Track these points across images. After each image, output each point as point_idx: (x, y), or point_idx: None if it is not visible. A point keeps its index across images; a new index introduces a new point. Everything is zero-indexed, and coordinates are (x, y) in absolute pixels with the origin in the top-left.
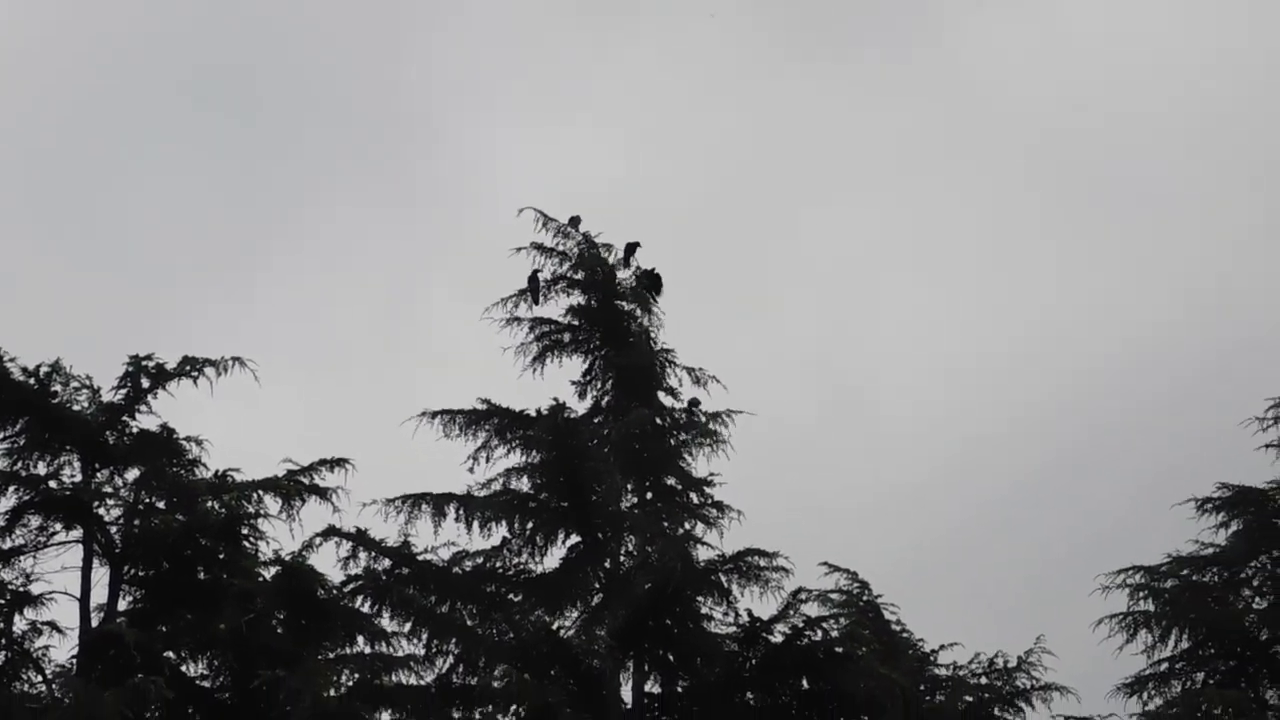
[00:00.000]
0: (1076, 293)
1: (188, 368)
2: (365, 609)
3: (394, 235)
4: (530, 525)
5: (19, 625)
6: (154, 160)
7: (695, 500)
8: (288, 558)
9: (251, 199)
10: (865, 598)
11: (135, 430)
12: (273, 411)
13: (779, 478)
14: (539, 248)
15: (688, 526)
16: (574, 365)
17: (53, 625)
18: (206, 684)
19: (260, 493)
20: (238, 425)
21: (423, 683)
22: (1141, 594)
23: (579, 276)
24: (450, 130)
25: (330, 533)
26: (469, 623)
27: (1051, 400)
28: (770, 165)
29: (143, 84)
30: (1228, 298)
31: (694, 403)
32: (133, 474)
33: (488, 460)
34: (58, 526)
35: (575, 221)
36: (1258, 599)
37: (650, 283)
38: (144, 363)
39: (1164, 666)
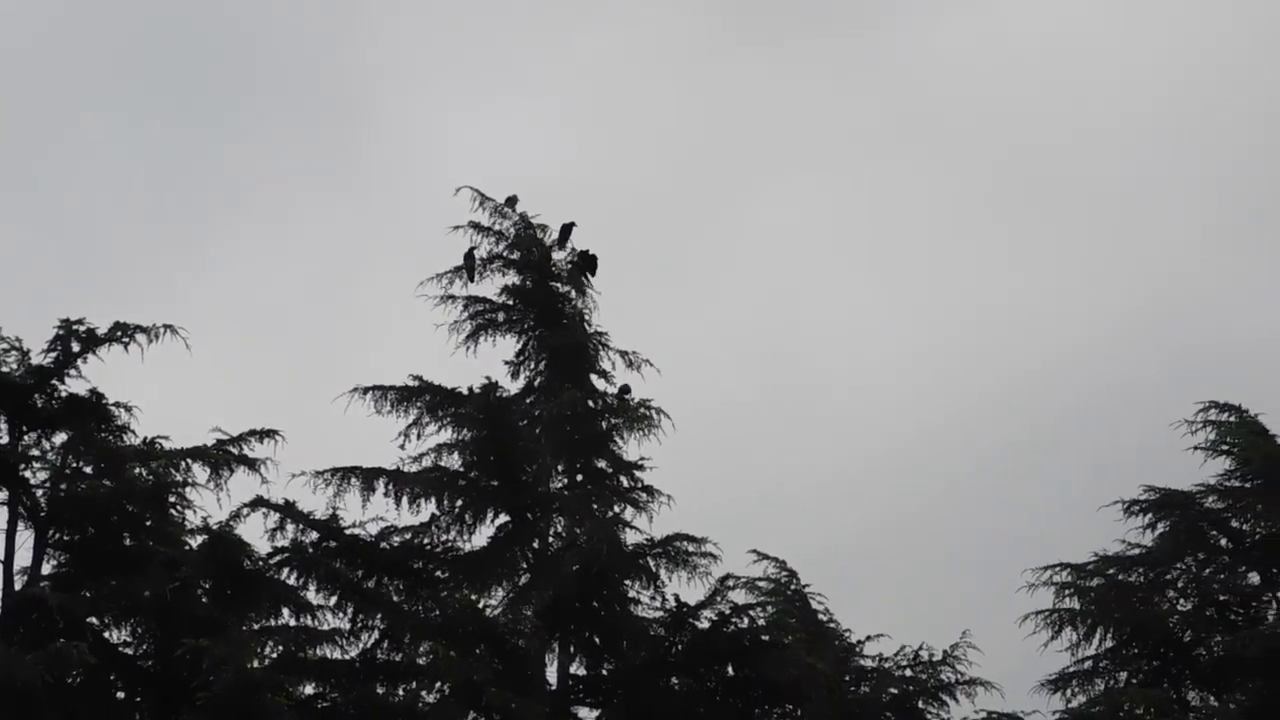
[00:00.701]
0: (1022, 290)
1: (119, 333)
2: (291, 581)
3: (334, 211)
4: (459, 503)
5: None
6: (95, 126)
7: (625, 484)
8: (215, 527)
9: (191, 170)
10: (793, 586)
11: (64, 394)
12: (204, 381)
13: (714, 464)
14: (476, 226)
15: (617, 509)
16: (507, 345)
17: None
18: (129, 651)
19: (189, 461)
20: (168, 393)
21: (347, 657)
22: (1067, 592)
23: (515, 256)
24: (396, 110)
25: (258, 503)
26: (395, 598)
27: (992, 398)
28: (718, 150)
29: (86, 48)
30: (1173, 301)
31: (624, 390)
32: (60, 438)
33: (418, 437)
34: None
35: (512, 201)
36: (1182, 600)
37: (585, 263)
38: (75, 326)
39: (1088, 664)
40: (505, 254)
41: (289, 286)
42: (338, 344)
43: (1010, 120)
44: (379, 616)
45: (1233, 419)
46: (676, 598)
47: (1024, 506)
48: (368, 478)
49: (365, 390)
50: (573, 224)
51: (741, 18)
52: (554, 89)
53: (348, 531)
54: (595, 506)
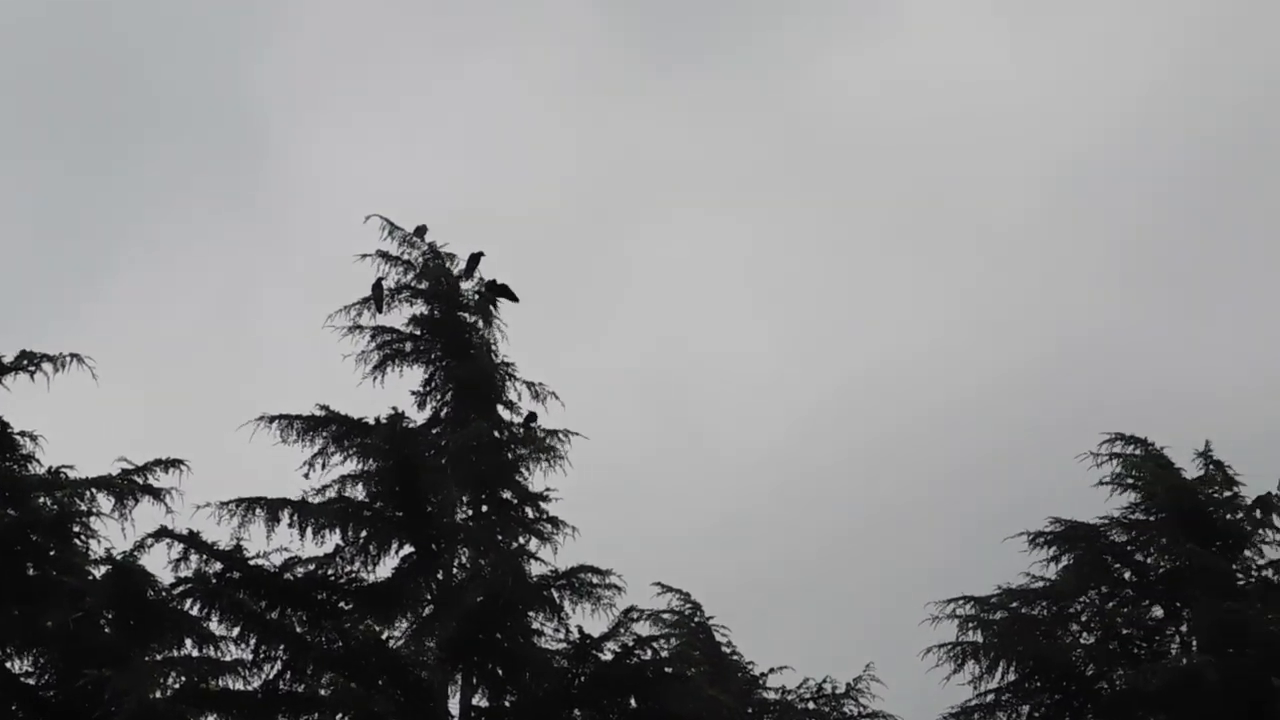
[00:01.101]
0: (919, 327)
1: (25, 362)
2: (194, 612)
3: (231, 243)
4: (364, 534)
5: None
6: None
7: (530, 515)
8: (119, 557)
9: (85, 203)
10: (697, 619)
11: None
12: (107, 411)
13: (615, 497)
14: (384, 255)
15: (522, 541)
16: (414, 375)
17: None
18: (31, 681)
19: (93, 490)
20: (73, 423)
21: (249, 688)
22: (971, 625)
23: (423, 286)
24: (289, 140)
25: (162, 533)
26: (298, 629)
27: (896, 436)
28: (608, 181)
29: None
30: (1073, 344)
31: (530, 418)
32: None
33: (324, 467)
34: None
35: (421, 231)
36: (1085, 634)
37: (494, 292)
38: None
39: (990, 698)
40: (414, 284)
41: (187, 318)
42: (238, 375)
43: (903, 156)
44: (282, 647)
45: (1138, 452)
46: (580, 629)
47: (928, 542)
48: (272, 508)
49: (271, 419)
50: (480, 253)
51: (632, 50)
52: (444, 119)
53: (251, 562)
54: (500, 538)
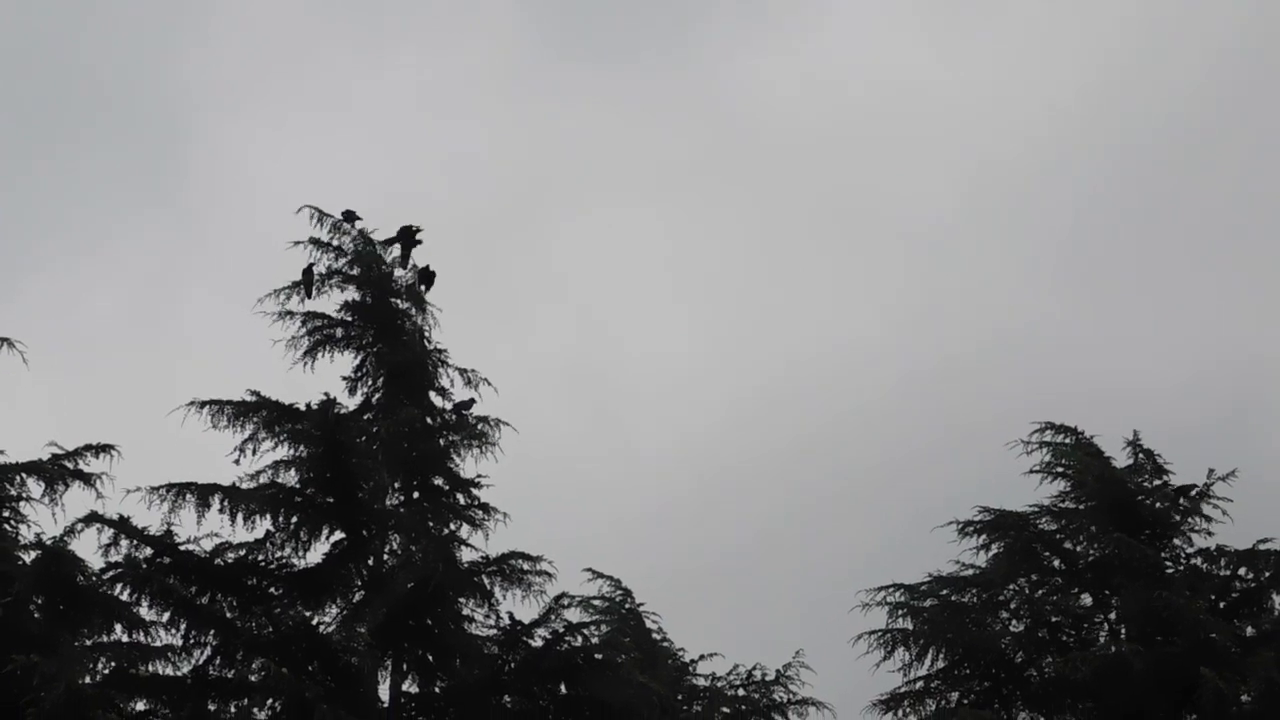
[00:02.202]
0: (841, 323)
1: None
2: (124, 597)
3: (150, 233)
4: (295, 519)
5: None
6: None
7: (462, 501)
8: (48, 542)
9: (13, 191)
10: (628, 605)
11: None
12: (33, 398)
13: (537, 488)
14: (316, 242)
15: (453, 527)
16: (346, 361)
17: None
18: None
19: (23, 475)
20: (10, 404)
21: (179, 673)
22: (901, 612)
23: (354, 272)
24: (214, 135)
25: (92, 518)
26: (228, 615)
27: (820, 428)
28: (534, 174)
29: None
30: (1000, 339)
31: (465, 404)
32: None
33: (255, 453)
34: None
35: (350, 216)
36: (1014, 622)
37: (424, 279)
38: None
39: (919, 684)
40: (345, 269)
41: (110, 309)
42: (163, 364)
43: (825, 154)
44: (212, 633)
45: (1068, 440)
46: (511, 616)
47: (856, 532)
48: (203, 494)
49: (203, 404)
50: (410, 230)
51: (556, 46)
52: (371, 109)
53: (182, 548)
54: (431, 524)
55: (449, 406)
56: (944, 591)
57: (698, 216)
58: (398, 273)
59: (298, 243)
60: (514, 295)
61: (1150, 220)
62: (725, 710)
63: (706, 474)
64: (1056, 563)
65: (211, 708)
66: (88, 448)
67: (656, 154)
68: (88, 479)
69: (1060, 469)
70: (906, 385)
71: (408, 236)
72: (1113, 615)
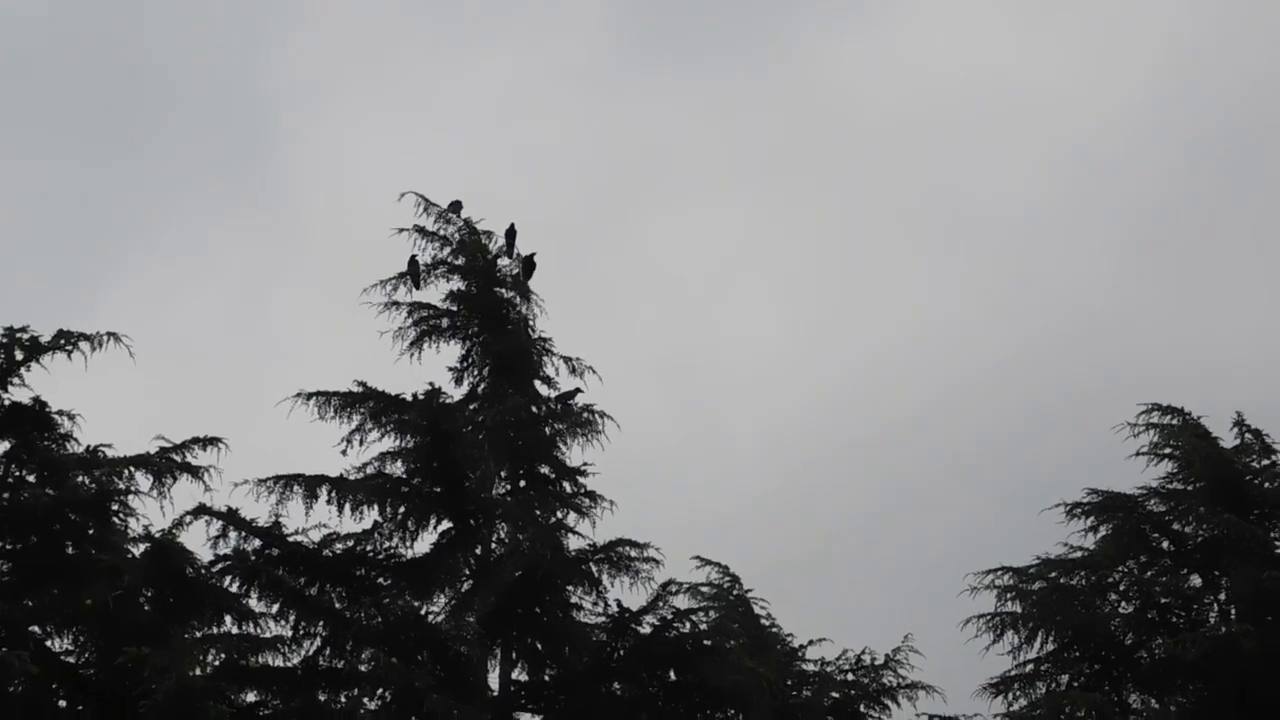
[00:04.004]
0: (935, 309)
1: (62, 341)
2: (234, 589)
3: (243, 237)
4: (402, 510)
5: None
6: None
7: (568, 489)
8: (157, 535)
9: (92, 203)
10: (735, 592)
11: (7, 403)
12: (134, 394)
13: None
14: (420, 231)
15: (560, 515)
16: (451, 351)
17: None
18: (71, 659)
19: (131, 469)
20: (109, 402)
21: (289, 664)
22: (1009, 595)
23: (459, 262)
24: (303, 135)
25: (201, 511)
26: (337, 605)
27: (930, 406)
28: (620, 171)
29: None
30: (1090, 324)
31: (570, 394)
32: (3, 446)
33: (361, 444)
34: None
35: (456, 206)
36: (1124, 603)
37: (527, 267)
38: (18, 334)
39: (1029, 668)
40: (450, 260)
41: (202, 308)
42: (255, 360)
43: (907, 141)
44: (321, 624)
45: (1175, 422)
46: (619, 603)
47: (967, 512)
48: (310, 485)
49: (309, 396)
50: (514, 227)
51: (640, 42)
52: (455, 108)
53: (290, 539)
54: (538, 512)
55: (554, 395)
56: (1052, 574)
57: (784, 207)
58: (502, 262)
59: (401, 230)
60: (602, 290)
61: (1229, 202)
62: (834, 695)
63: (803, 461)
64: (1165, 544)
65: (322, 698)
66: (195, 441)
67: (741, 146)
68: (195, 472)
69: (1168, 450)
70: (1000, 367)
71: (510, 230)
72: (1222, 596)
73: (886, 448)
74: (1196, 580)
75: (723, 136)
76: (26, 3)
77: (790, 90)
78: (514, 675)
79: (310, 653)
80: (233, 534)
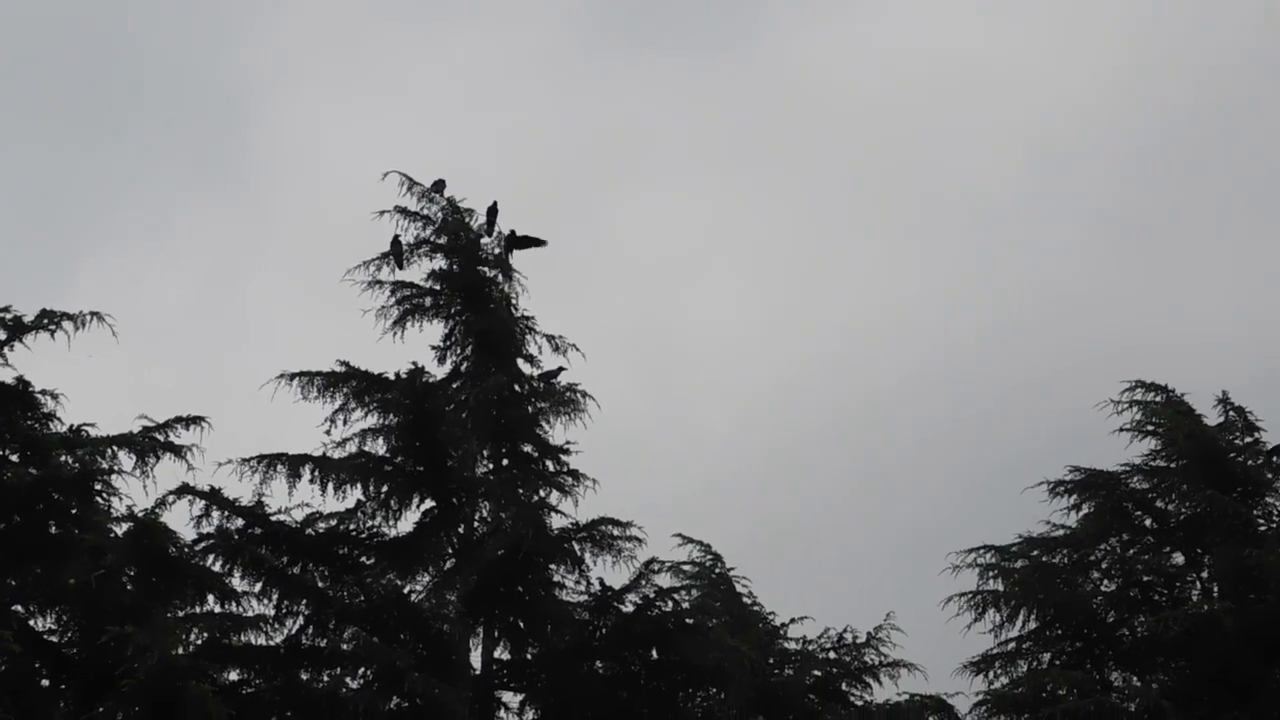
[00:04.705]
0: (905, 289)
1: (45, 320)
2: (216, 568)
3: (214, 213)
4: (385, 489)
5: None
6: None
7: (551, 468)
8: (140, 514)
9: (73, 177)
10: (718, 570)
11: None
12: (113, 374)
13: (613, 458)
14: (403, 211)
15: (543, 494)
16: (434, 330)
17: None
18: (54, 639)
19: (114, 448)
20: (90, 381)
21: (272, 643)
22: (991, 573)
23: (442, 241)
24: (275, 115)
25: (184, 490)
26: (320, 584)
27: (899, 388)
28: (591, 154)
29: None
30: (1061, 298)
31: (553, 373)
32: None
33: (345, 423)
34: None
35: (440, 186)
36: (1106, 581)
37: (519, 243)
38: (1, 314)
39: (1011, 646)
40: (433, 239)
41: (176, 288)
42: (229, 341)
43: (880, 127)
44: (303, 602)
45: (1158, 399)
46: (601, 582)
47: (943, 491)
48: (293, 464)
49: (292, 376)
50: (496, 205)
51: (614, 24)
52: (426, 91)
53: (273, 518)
54: (521, 491)
55: (537, 374)
56: (1034, 552)
57: (753, 190)
58: (484, 240)
59: (384, 212)
60: (572, 272)
61: (1199, 181)
62: (817, 673)
63: (776, 442)
64: (1148, 521)
65: (304, 677)
66: (178, 420)
67: (709, 130)
68: (178, 451)
69: (1151, 427)
70: (971, 347)
71: (492, 208)
72: (1205, 574)
73: (860, 428)
74: (1179, 558)
75: (689, 119)
76: None
77: (760, 75)
78: (496, 654)
79: (293, 632)
80: (215, 513)
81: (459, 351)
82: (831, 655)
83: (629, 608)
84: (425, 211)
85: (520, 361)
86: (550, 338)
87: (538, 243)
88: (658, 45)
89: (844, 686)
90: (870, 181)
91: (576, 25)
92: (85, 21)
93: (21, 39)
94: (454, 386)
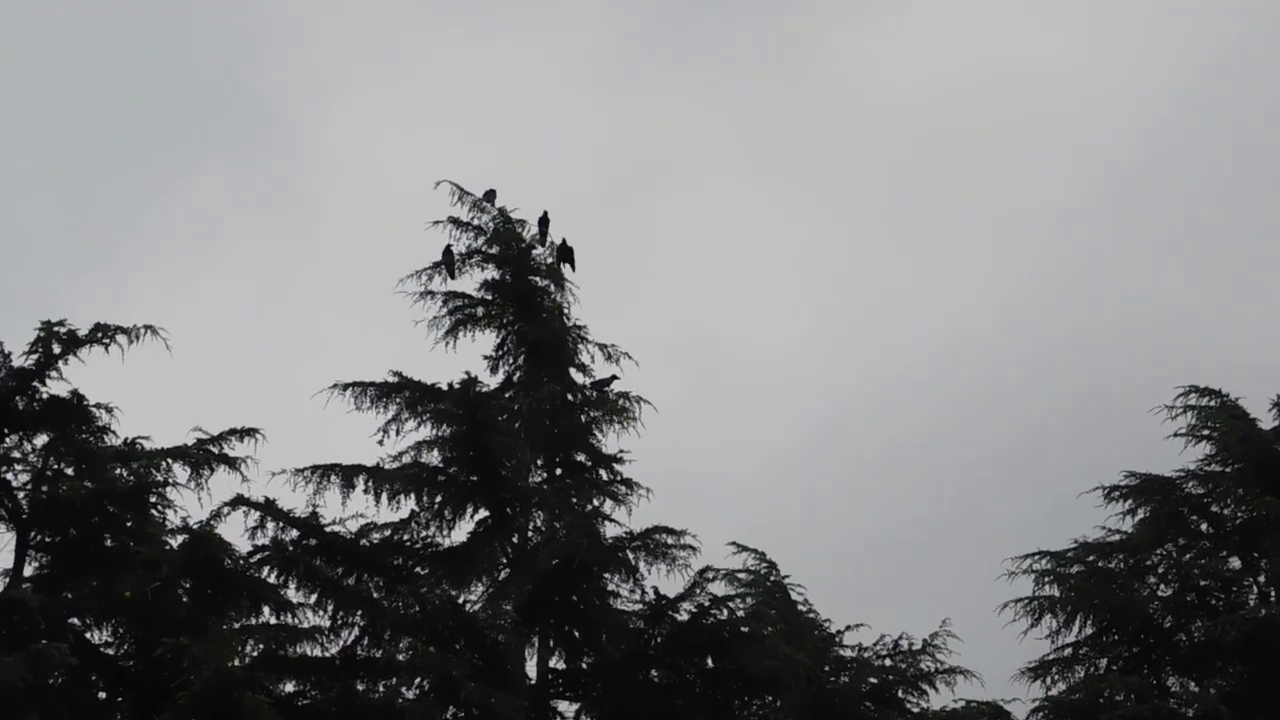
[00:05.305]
0: (969, 307)
1: (99, 334)
2: (271, 579)
3: (262, 227)
4: (439, 499)
5: None
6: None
7: (604, 477)
8: (195, 526)
9: (118, 187)
10: (773, 578)
11: (45, 396)
12: (167, 386)
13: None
14: (455, 221)
15: (596, 503)
16: (487, 340)
17: None
18: (110, 651)
19: (169, 461)
20: (145, 394)
21: (327, 654)
22: (1047, 579)
23: (494, 250)
24: (319, 127)
25: (238, 502)
26: (375, 595)
27: (973, 400)
28: (635, 155)
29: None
30: (1126, 314)
31: (605, 381)
32: (41, 440)
33: (398, 433)
34: None
35: (491, 196)
36: (1162, 586)
37: (563, 254)
38: (55, 328)
39: (1067, 652)
40: (484, 249)
41: (225, 301)
42: (282, 352)
43: (929, 132)
44: (359, 613)
45: (1213, 403)
46: (656, 590)
47: (1003, 497)
48: (347, 475)
49: (345, 386)
50: (547, 215)
51: (662, 29)
52: (471, 100)
53: (327, 529)
54: (574, 500)
55: (589, 382)
56: (1090, 558)
57: (811, 202)
58: (535, 250)
59: (437, 222)
60: (618, 280)
61: (1264, 205)
62: (872, 680)
63: (842, 458)
64: (1204, 526)
65: (360, 688)
66: (232, 432)
67: (761, 139)
68: (232, 463)
69: (1205, 432)
70: (1034, 363)
71: (544, 218)
72: (1261, 578)
73: (924, 444)
74: (1235, 562)
75: (739, 128)
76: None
77: (808, 82)
78: (551, 663)
79: (348, 642)
80: (270, 524)
81: (511, 361)
82: (887, 662)
83: (684, 616)
84: (477, 222)
85: (572, 370)
86: (603, 346)
87: (571, 262)
88: (701, 50)
89: (900, 694)
90: (926, 191)
91: (622, 30)
92: (130, 30)
93: (66, 44)
94: (507, 396)
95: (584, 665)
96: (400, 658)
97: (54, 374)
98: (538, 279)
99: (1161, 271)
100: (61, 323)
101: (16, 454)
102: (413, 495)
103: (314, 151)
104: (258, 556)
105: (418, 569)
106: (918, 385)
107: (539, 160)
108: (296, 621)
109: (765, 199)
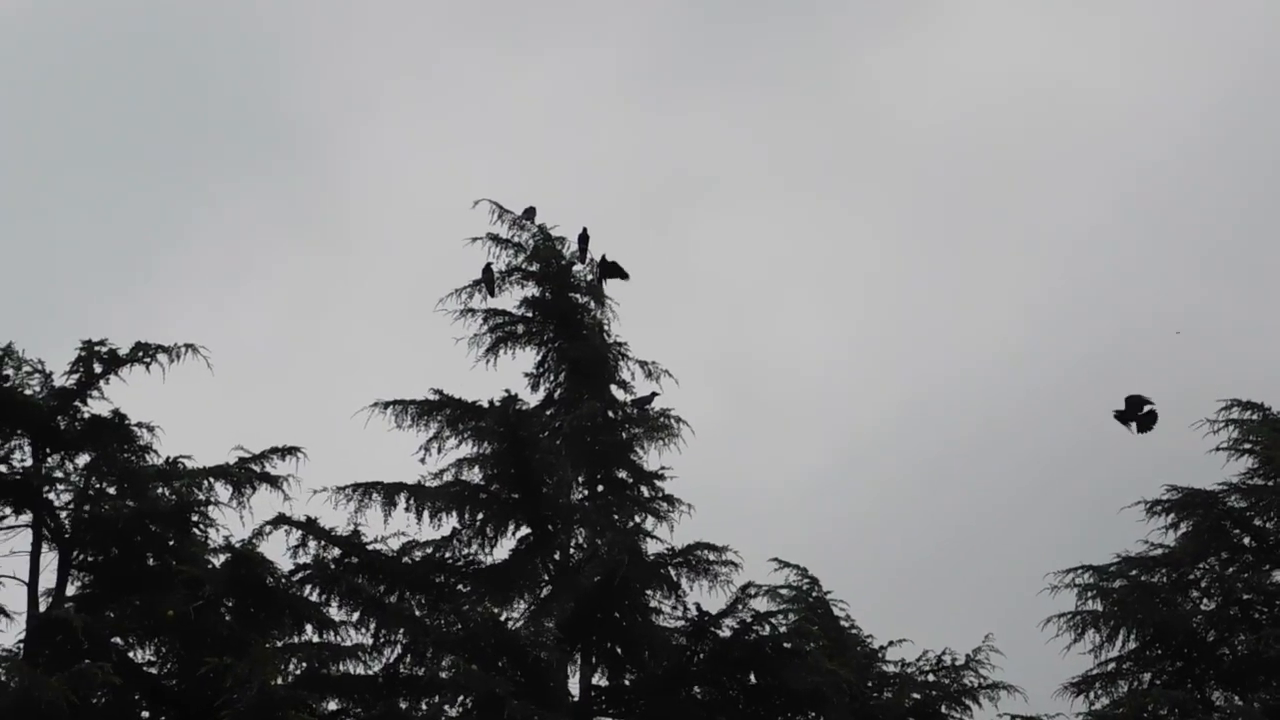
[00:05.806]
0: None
1: (140, 353)
2: (314, 598)
3: (301, 244)
4: (480, 516)
5: None
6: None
7: (646, 493)
8: (237, 545)
9: (147, 206)
10: (815, 594)
11: (87, 415)
12: (206, 406)
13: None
14: (495, 239)
15: (638, 519)
16: (527, 357)
17: (0, 610)
18: (153, 670)
19: (211, 480)
20: (186, 413)
21: (370, 672)
22: (1090, 594)
23: (534, 268)
24: (351, 145)
25: (280, 520)
26: (417, 613)
27: (1010, 414)
28: (667, 174)
29: (36, 78)
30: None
31: (646, 399)
32: (83, 459)
33: (439, 451)
34: (7, 511)
35: (530, 213)
36: (1205, 600)
37: (606, 270)
38: (96, 348)
39: (1111, 666)
40: (524, 266)
41: (259, 322)
42: (328, 372)
43: (960, 148)
44: (401, 631)
45: (1255, 417)
46: (698, 607)
47: (1042, 511)
48: (389, 493)
49: (386, 404)
50: (587, 231)
51: (694, 47)
52: (504, 112)
53: (369, 547)
54: (616, 517)
55: (630, 400)
56: (1133, 572)
57: (843, 218)
58: (575, 267)
59: (476, 239)
60: (649, 298)
61: None
62: (915, 696)
63: (879, 472)
64: (1247, 540)
65: (403, 705)
66: (273, 450)
67: (792, 156)
68: (274, 482)
69: (1248, 445)
70: (1069, 377)
71: (583, 235)
72: None
73: (963, 460)
74: (1279, 576)
75: (769, 144)
76: (72, 9)
77: (839, 99)
78: (594, 680)
79: (391, 660)
80: (312, 543)
81: (552, 378)
82: (930, 678)
83: (726, 632)
84: (517, 239)
85: (613, 387)
86: (643, 363)
87: (621, 274)
88: (731, 69)
89: (943, 709)
90: (957, 207)
91: (653, 48)
92: (157, 46)
93: (96, 63)
94: (548, 413)
95: (626, 682)
96: (443, 675)
97: (95, 393)
98: (578, 296)
99: (1195, 285)
100: (102, 342)
101: (59, 474)
102: (454, 513)
103: (346, 168)
104: (300, 575)
105: (460, 586)
106: (953, 400)
107: (571, 177)
108: (339, 640)
109: (797, 215)
